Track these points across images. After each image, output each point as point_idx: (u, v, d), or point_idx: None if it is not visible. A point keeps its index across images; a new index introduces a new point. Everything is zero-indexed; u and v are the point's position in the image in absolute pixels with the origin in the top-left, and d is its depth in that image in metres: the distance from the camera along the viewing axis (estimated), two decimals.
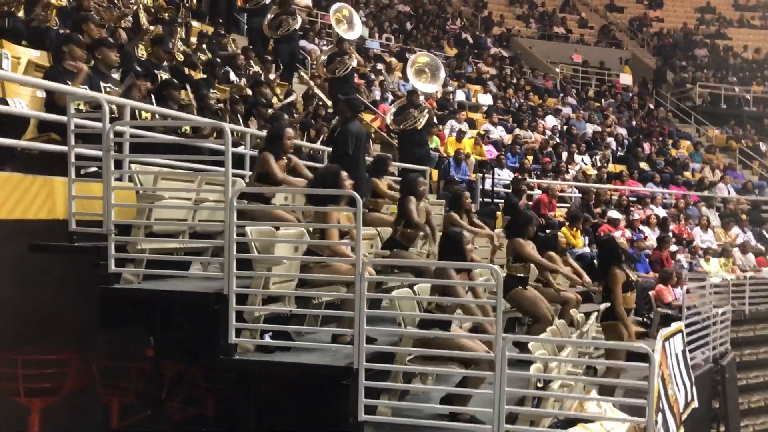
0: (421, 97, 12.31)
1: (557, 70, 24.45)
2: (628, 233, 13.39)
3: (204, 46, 11.81)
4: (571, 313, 8.00)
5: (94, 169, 5.84)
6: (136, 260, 5.59)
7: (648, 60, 27.46)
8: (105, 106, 5.58)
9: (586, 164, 16.72)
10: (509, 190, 13.34)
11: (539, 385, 5.68)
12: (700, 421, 9.79)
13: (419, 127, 11.58)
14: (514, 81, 21.47)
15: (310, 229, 5.95)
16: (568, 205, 14.36)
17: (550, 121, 18.82)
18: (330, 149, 9.34)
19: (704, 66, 26.36)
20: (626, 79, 25.21)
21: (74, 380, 6.61)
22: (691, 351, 9.90)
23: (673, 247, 13.76)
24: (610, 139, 18.69)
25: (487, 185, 13.55)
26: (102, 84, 6.69)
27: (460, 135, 15.33)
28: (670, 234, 14.14)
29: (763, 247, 15.86)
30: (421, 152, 11.72)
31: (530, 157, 16.01)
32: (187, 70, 9.80)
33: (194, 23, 12.80)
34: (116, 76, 7.55)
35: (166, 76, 8.52)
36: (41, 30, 8.02)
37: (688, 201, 16.41)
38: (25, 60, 7.48)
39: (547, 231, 9.73)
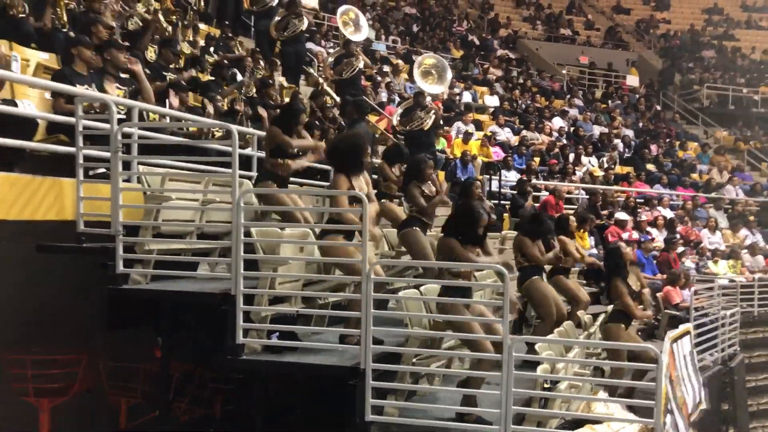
0: (428, 99, 12.31)
1: (564, 71, 24.42)
2: (635, 235, 13.34)
3: (211, 48, 11.85)
4: (579, 315, 7.98)
5: (103, 170, 5.87)
6: (144, 261, 5.61)
7: (655, 61, 27.39)
8: (113, 108, 5.61)
9: (593, 166, 16.67)
10: (516, 192, 13.34)
11: (546, 385, 5.67)
12: (709, 423, 9.74)
13: (426, 129, 11.61)
14: (521, 82, 21.46)
15: (316, 230, 5.95)
16: (575, 207, 14.32)
17: (557, 122, 18.81)
18: None
19: (712, 67, 26.26)
20: (633, 80, 25.16)
21: (82, 381, 6.65)
22: (699, 353, 9.85)
23: (681, 249, 13.70)
24: (617, 141, 18.63)
25: (494, 187, 13.54)
26: (117, 85, 6.75)
27: (467, 137, 15.34)
28: (678, 235, 14.08)
29: None
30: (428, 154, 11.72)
31: (537, 159, 16.01)
32: (195, 72, 9.84)
33: (201, 26, 12.85)
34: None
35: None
36: (50, 32, 8.07)
37: (696, 203, 16.33)
38: (35, 62, 7.52)
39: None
